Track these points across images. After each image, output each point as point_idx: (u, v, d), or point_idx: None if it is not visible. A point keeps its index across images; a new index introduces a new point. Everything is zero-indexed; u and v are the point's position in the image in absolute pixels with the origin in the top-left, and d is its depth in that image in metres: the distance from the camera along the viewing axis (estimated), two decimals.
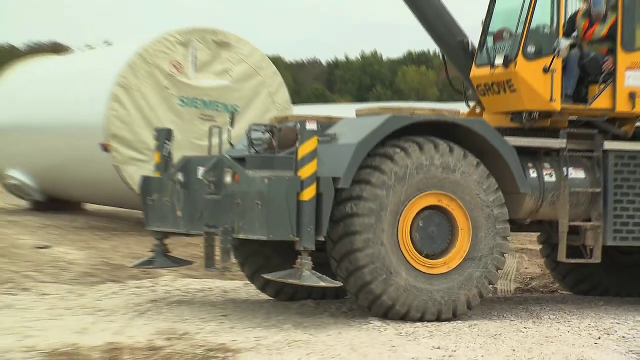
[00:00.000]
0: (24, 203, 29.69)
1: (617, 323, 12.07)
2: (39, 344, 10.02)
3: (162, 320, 11.66)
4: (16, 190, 28.83)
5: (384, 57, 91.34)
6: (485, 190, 11.63)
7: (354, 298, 11.56)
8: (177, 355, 9.65)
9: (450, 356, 9.75)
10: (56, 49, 43.35)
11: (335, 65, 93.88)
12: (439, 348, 10.10)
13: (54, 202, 28.03)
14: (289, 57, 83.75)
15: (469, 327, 11.38)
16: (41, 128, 26.37)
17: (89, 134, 22.50)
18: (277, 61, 31.23)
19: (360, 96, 76.95)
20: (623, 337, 11.21)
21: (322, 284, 11.07)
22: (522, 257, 17.54)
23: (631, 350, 10.39)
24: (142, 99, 21.96)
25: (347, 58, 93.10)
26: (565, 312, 12.75)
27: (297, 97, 33.86)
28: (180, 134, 20.53)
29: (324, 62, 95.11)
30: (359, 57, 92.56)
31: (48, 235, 22.02)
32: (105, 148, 21.76)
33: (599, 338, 11.07)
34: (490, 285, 12.04)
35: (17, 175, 27.84)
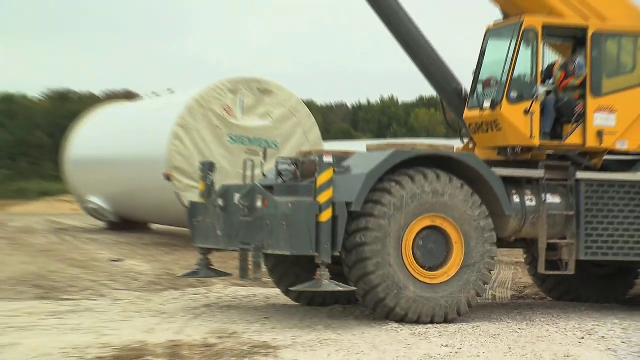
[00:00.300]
0: (100, 223, 29.87)
1: (597, 325, 11.98)
2: (113, 341, 10.08)
3: (215, 322, 11.68)
4: (94, 212, 29.07)
5: (400, 101, 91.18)
6: (471, 207, 11.60)
7: (371, 311, 11.53)
8: (227, 351, 9.68)
9: (456, 353, 9.74)
10: (128, 95, 43.73)
11: (358, 107, 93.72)
12: (446, 346, 10.09)
13: (125, 223, 28.26)
14: (320, 100, 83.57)
15: (472, 328, 11.35)
16: (115, 161, 26.61)
17: (154, 166, 22.65)
18: (310, 104, 31.31)
19: (380, 133, 76.76)
20: (602, 337, 11.13)
21: (339, 288, 11.15)
22: (517, 269, 17.48)
23: (609, 348, 10.34)
24: (198, 137, 22.11)
25: (368, 102, 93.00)
26: (553, 316, 12.65)
27: (327, 134, 34.11)
28: (229, 166, 20.73)
29: (349, 105, 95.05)
30: (379, 101, 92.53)
31: (120, 250, 22.17)
32: (168, 178, 21.90)
33: (582, 338, 11.00)
34: (485, 285, 12.02)
35: (96, 200, 28.10)
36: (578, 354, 9.90)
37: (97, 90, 74.49)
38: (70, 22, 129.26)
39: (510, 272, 17.93)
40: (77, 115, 33.58)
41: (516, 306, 13.93)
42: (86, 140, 29.84)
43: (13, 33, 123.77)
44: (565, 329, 11.60)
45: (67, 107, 64.63)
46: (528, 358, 9.65)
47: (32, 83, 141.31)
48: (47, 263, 19.09)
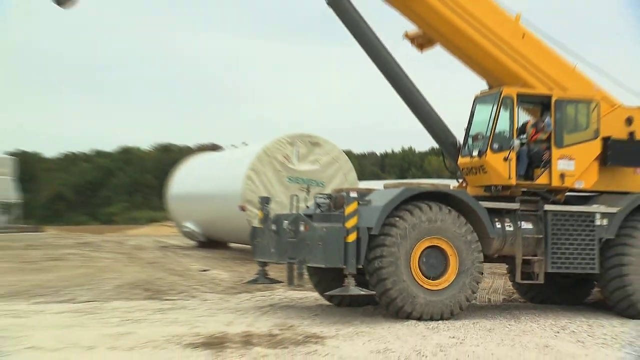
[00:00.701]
0: (193, 243, 29.95)
1: (569, 322, 11.87)
2: (202, 331, 10.20)
3: (277, 318, 11.71)
4: (188, 235, 29.21)
5: (416, 150, 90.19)
6: (459, 227, 11.48)
7: (394, 316, 11.45)
8: (287, 339, 9.76)
9: (461, 343, 9.76)
10: (214, 147, 43.98)
11: (385, 155, 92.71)
12: (453, 337, 10.09)
13: (211, 242, 28.28)
14: (357, 150, 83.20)
15: (472, 324, 11.29)
16: (204, 196, 26.69)
17: (233, 200, 22.68)
18: (348, 153, 31.21)
19: (401, 175, 75.72)
20: (573, 331, 11.06)
21: (362, 293, 11.12)
22: (507, 279, 17.14)
23: (578, 341, 10.29)
24: (265, 178, 22.17)
25: (392, 151, 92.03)
26: (535, 315, 12.51)
27: (361, 176, 33.83)
28: (287, 200, 20.65)
29: (378, 154, 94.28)
30: (400, 150, 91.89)
31: (207, 263, 22.20)
32: (243, 209, 21.94)
33: (558, 332, 10.93)
34: (478, 284, 11.88)
35: (189, 225, 28.22)
36: (554, 344, 9.91)
37: (191, 143, 74.83)
38: (168, 89, 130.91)
39: (502, 281, 17.63)
40: (176, 163, 33.87)
41: (507, 307, 13.74)
42: (183, 180, 30.01)
43: (129, 98, 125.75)
44: (544, 325, 11.52)
45: (170, 156, 64.95)
46: (516, 347, 9.67)
47: (143, 137, 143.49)
48: (153, 272, 19.23)
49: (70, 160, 77.81)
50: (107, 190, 71.57)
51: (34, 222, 50.08)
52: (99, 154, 78.47)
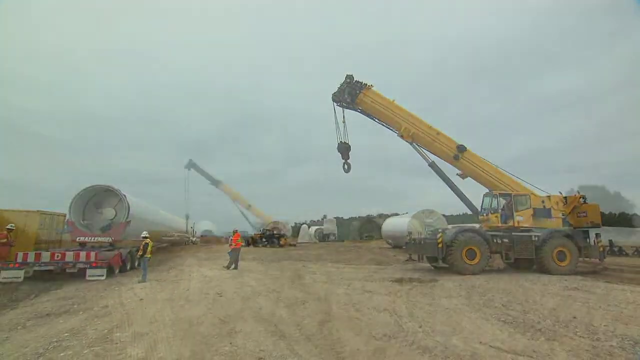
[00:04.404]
0: (389, 246, 24.76)
1: (530, 275, 10.32)
2: (394, 276, 9.80)
3: (419, 272, 11.10)
4: (388, 243, 23.48)
5: (467, 213, 64.47)
6: (479, 241, 10.53)
7: (458, 274, 10.32)
8: (424, 279, 9.46)
9: (489, 283, 9.14)
10: (396, 214, 40.97)
11: (457, 215, 74.00)
12: (486, 281, 9.37)
13: (396, 246, 23.48)
14: (446, 213, 64.11)
15: (495, 276, 10.26)
16: (394, 230, 24.32)
17: (403, 232, 21.12)
18: (444, 215, 27.87)
19: (463, 222, 58.77)
20: (532, 280, 9.64)
21: (444, 265, 10.56)
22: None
23: (534, 283, 9.31)
24: (415, 224, 20.55)
25: (459, 213, 71.13)
26: (516, 273, 10.94)
27: (449, 223, 28.67)
28: (424, 231, 19.75)
29: (455, 214, 70.11)
30: (462, 213, 71.53)
31: (394, 252, 18.28)
32: (407, 235, 21.05)
33: (526, 280, 9.66)
34: (487, 260, 10.45)
35: (390, 240, 24.57)
36: (524, 284, 9.10)
37: (389, 212, 68.25)
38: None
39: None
40: (384, 220, 33.19)
41: (506, 270, 11.81)
42: (387, 225, 27.67)
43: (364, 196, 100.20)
44: (520, 276, 10.22)
45: (384, 217, 62.96)
46: (511, 285, 8.98)
47: (379, 209, 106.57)
48: (376, 256, 15.88)
49: (352, 219, 76.41)
50: (362, 229, 71.25)
51: (340, 240, 52.05)
52: (361, 217, 74.71)
